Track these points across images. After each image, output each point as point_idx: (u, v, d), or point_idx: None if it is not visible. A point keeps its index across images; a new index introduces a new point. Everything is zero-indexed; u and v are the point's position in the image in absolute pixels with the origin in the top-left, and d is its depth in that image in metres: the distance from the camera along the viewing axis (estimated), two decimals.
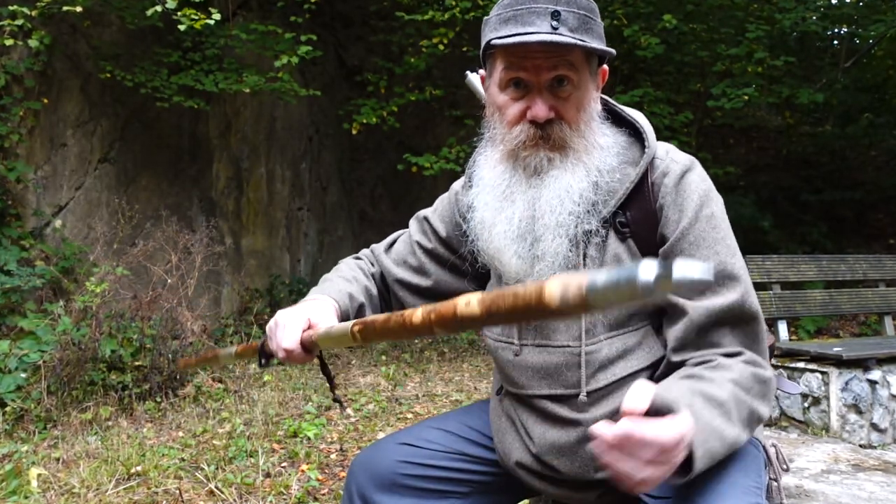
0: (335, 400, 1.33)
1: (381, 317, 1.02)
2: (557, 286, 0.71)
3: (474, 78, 1.62)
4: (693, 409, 0.99)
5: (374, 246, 1.57)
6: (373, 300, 1.45)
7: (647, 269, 0.63)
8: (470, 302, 0.83)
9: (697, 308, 1.16)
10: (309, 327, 1.22)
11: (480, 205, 1.28)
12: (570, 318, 0.73)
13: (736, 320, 1.16)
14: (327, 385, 1.35)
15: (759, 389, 1.13)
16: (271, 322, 1.26)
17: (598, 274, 0.68)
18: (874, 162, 9.83)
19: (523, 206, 1.22)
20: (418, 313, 0.92)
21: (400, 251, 1.51)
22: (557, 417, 1.26)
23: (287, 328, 1.21)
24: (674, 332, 1.19)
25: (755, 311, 1.18)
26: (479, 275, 1.41)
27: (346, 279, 1.43)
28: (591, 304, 0.68)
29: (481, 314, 0.82)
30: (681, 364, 1.18)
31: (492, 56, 1.23)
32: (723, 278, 1.17)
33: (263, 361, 1.34)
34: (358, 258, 1.55)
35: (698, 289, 0.63)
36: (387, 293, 1.51)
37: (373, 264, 1.53)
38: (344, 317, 1.32)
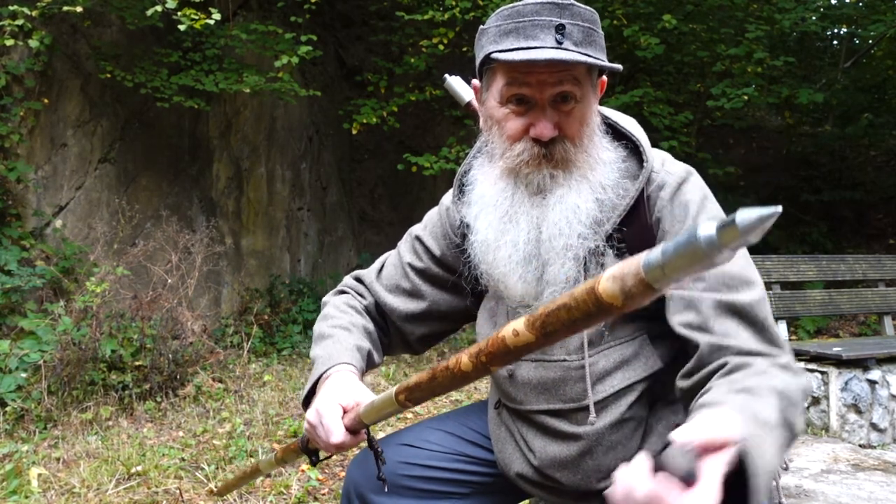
0: (380, 478, 1.25)
1: (423, 376, 0.97)
2: (613, 283, 0.67)
3: (454, 81, 1.61)
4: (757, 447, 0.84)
5: (360, 273, 1.52)
6: (372, 337, 1.41)
7: (707, 225, 0.59)
8: (518, 331, 0.80)
9: (705, 299, 1.10)
10: (344, 411, 1.17)
11: (482, 225, 1.23)
12: (634, 309, 0.69)
13: (749, 321, 1.10)
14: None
15: (800, 401, 1.02)
16: (306, 425, 1.22)
17: (651, 252, 0.64)
18: (874, 162, 9.83)
19: (528, 228, 1.18)
20: (465, 359, 0.89)
21: (391, 276, 1.46)
22: (558, 432, 1.24)
23: (326, 425, 1.16)
24: (683, 318, 1.11)
25: (767, 317, 1.10)
26: (478, 293, 1.38)
27: (345, 328, 1.37)
28: (656, 284, 0.63)
29: (537, 338, 0.78)
30: (711, 352, 1.07)
31: (491, 69, 1.18)
32: (732, 280, 1.11)
33: (314, 459, 1.31)
34: (343, 292, 1.50)
35: (767, 227, 0.58)
36: (383, 322, 1.47)
37: (362, 296, 1.47)
38: (360, 373, 1.29)
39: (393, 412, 1.07)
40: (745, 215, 0.57)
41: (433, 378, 0.95)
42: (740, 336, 1.08)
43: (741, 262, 1.15)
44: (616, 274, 0.67)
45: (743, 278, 1.13)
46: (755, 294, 1.11)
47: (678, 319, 1.12)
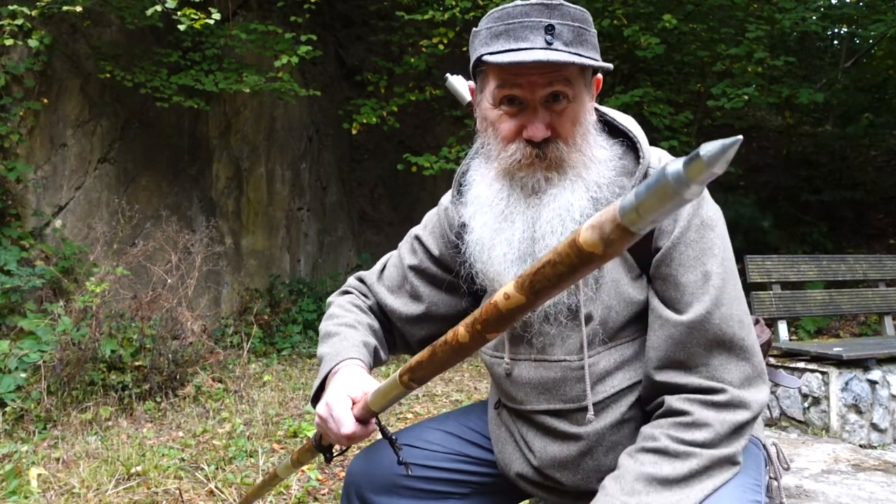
0: (400, 462, 1.25)
1: (424, 354, 0.98)
2: (592, 231, 0.68)
3: (455, 80, 1.60)
4: None
5: (363, 274, 1.53)
6: (378, 335, 1.42)
7: (674, 162, 0.61)
8: (508, 294, 0.80)
9: (678, 324, 1.14)
10: (353, 403, 1.18)
11: (478, 224, 1.23)
12: (615, 257, 0.71)
13: (718, 342, 1.13)
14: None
15: (734, 438, 1.11)
16: (317, 419, 1.23)
17: (625, 196, 0.66)
18: (874, 162, 9.83)
19: (522, 227, 1.18)
20: (461, 330, 0.90)
21: (392, 277, 1.46)
22: (558, 432, 1.24)
23: (336, 417, 1.17)
24: (654, 345, 1.17)
25: (736, 334, 1.14)
26: (474, 293, 1.38)
27: (350, 325, 1.39)
28: (632, 227, 0.65)
29: (528, 299, 0.78)
30: (662, 388, 1.16)
31: (483, 71, 1.18)
32: (704, 288, 1.14)
33: (329, 456, 1.32)
34: (347, 292, 1.51)
35: (730, 157, 0.59)
36: (387, 322, 1.48)
37: (365, 296, 1.49)
38: (368, 368, 1.30)
39: (399, 395, 1.08)
40: (709, 147, 0.59)
41: (433, 354, 0.96)
42: (703, 364, 1.14)
43: (713, 265, 1.16)
44: (594, 223, 0.68)
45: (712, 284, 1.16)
46: (715, 309, 1.15)
47: (652, 347, 1.18)
